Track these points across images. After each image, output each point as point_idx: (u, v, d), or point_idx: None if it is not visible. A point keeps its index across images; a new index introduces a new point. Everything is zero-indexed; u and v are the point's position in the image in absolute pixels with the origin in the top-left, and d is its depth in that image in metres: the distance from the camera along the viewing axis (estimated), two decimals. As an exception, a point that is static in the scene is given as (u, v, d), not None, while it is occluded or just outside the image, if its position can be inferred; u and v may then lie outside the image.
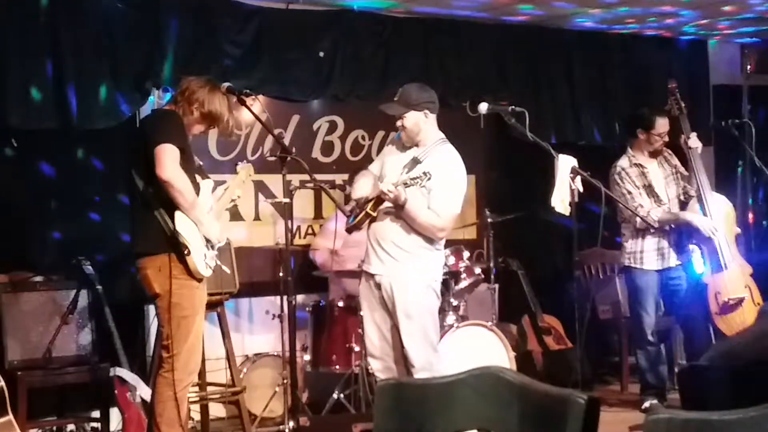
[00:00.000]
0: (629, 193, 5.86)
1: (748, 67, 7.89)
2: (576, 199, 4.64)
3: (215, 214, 4.69)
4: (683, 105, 5.94)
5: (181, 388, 4.47)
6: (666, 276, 5.95)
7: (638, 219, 5.72)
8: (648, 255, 5.89)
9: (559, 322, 7.09)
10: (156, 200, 4.38)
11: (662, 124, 5.95)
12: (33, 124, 5.49)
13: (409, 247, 4.83)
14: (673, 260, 5.91)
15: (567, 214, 4.66)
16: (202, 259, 4.47)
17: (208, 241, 4.53)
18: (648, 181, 5.89)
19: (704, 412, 2.15)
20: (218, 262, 4.70)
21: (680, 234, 5.88)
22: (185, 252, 4.36)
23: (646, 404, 5.98)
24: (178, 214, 4.37)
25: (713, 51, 8.06)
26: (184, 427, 4.52)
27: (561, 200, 4.67)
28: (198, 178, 4.60)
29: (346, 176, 6.46)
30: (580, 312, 4.89)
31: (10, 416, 4.81)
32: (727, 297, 5.65)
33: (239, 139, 6.47)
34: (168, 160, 4.27)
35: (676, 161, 6.03)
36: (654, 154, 5.97)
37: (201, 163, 4.68)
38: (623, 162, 5.97)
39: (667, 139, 5.95)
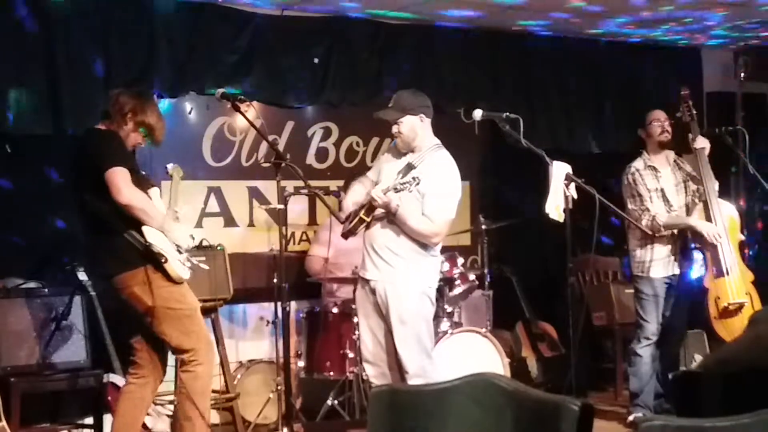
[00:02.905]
0: (639, 195, 5.85)
1: (742, 74, 7.90)
2: (570, 205, 4.64)
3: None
4: (695, 112, 5.96)
5: (209, 379, 4.64)
6: (667, 283, 5.94)
7: (645, 222, 5.71)
8: (656, 263, 5.87)
9: (554, 328, 7.10)
10: (118, 220, 4.40)
11: (655, 112, 6.00)
12: (27, 130, 5.49)
13: (404, 252, 4.83)
14: (676, 268, 5.90)
15: (561, 220, 4.66)
16: (178, 264, 4.51)
17: (178, 246, 4.56)
18: (660, 185, 5.89)
19: (697, 418, 2.15)
20: (194, 262, 4.73)
21: (686, 241, 5.88)
22: (163, 261, 4.39)
23: (631, 417, 5.97)
24: (145, 227, 4.41)
25: (706, 58, 8.09)
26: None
27: (555, 207, 4.67)
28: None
29: (340, 182, 6.47)
30: (574, 318, 4.89)
31: (4, 423, 4.81)
32: (727, 302, 5.65)
33: (232, 145, 6.49)
34: (122, 183, 4.31)
35: (689, 169, 6.02)
36: (663, 146, 5.95)
37: (144, 172, 4.69)
38: (638, 163, 5.95)
39: (668, 128, 5.93)
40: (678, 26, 7.13)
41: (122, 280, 4.44)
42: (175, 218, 4.73)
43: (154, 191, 4.65)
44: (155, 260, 4.39)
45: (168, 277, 4.45)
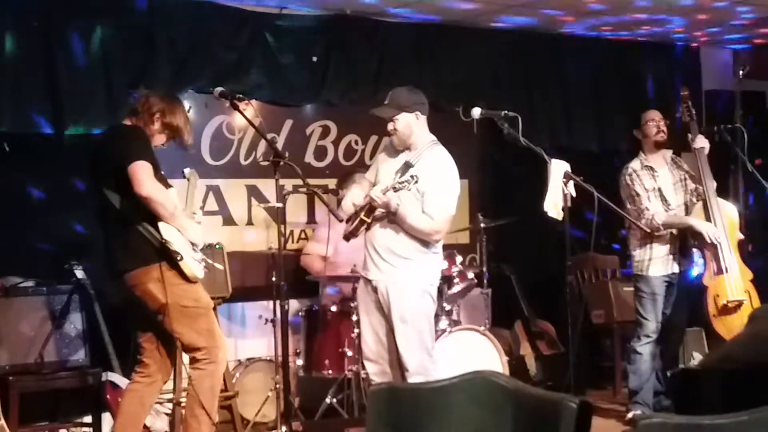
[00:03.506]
0: (638, 195, 5.85)
1: (741, 72, 7.91)
2: (569, 203, 4.64)
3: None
4: (694, 112, 5.96)
5: (218, 378, 4.67)
6: (666, 281, 5.95)
7: (644, 222, 5.72)
8: (655, 262, 5.87)
9: (552, 326, 7.10)
10: (136, 215, 4.40)
11: (650, 112, 6.01)
12: (26, 129, 5.49)
13: (405, 251, 4.83)
14: (675, 267, 5.90)
15: (559, 218, 4.66)
16: (194, 263, 4.51)
17: (193, 244, 4.57)
18: (658, 185, 5.89)
19: (696, 416, 2.15)
20: (209, 261, 4.76)
21: (685, 240, 5.88)
22: (178, 258, 4.39)
23: (630, 415, 5.97)
24: (162, 224, 4.41)
25: (705, 57, 8.09)
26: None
27: (554, 205, 4.67)
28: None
29: (339, 181, 6.46)
30: (572, 317, 4.89)
31: (2, 421, 4.80)
32: (726, 300, 5.66)
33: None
34: (144, 176, 4.31)
35: (687, 167, 6.03)
36: (659, 146, 5.95)
37: (163, 172, 4.72)
38: (635, 164, 5.96)
39: (664, 127, 5.94)
40: (678, 25, 7.15)
41: (136, 276, 4.45)
42: (194, 221, 4.76)
43: (171, 191, 4.66)
44: (170, 258, 4.40)
45: (182, 275, 4.46)
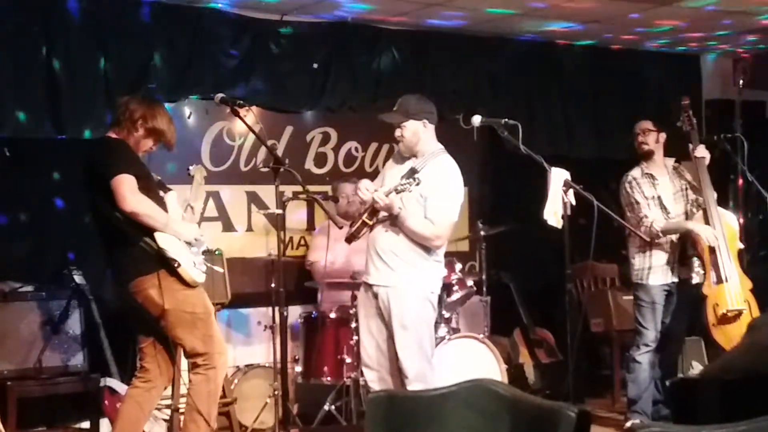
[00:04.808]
0: (637, 202, 5.85)
1: (741, 81, 7.91)
2: (568, 212, 4.65)
3: (189, 220, 4.74)
4: (695, 121, 5.97)
5: (219, 383, 4.66)
6: (666, 290, 5.95)
7: (643, 229, 5.72)
8: (654, 270, 5.88)
9: (551, 334, 7.09)
10: (131, 225, 4.39)
11: (637, 124, 6.01)
12: (25, 134, 5.49)
13: (407, 257, 4.83)
14: (675, 276, 5.90)
15: (559, 227, 4.66)
16: (193, 268, 4.50)
17: (190, 245, 4.57)
18: (657, 193, 5.89)
19: (695, 425, 2.15)
20: (209, 265, 4.75)
21: (684, 248, 5.88)
22: (176, 265, 4.40)
23: (628, 424, 5.96)
24: (157, 233, 4.41)
25: (706, 65, 8.09)
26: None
27: (553, 213, 4.67)
28: (160, 192, 4.62)
29: (340, 188, 6.46)
30: (571, 325, 4.89)
31: (0, 426, 4.80)
32: (725, 309, 5.66)
33: (230, 151, 6.48)
34: (126, 191, 4.30)
35: (689, 177, 6.03)
36: (646, 156, 5.96)
37: (159, 177, 4.70)
38: (635, 172, 5.97)
39: (644, 138, 5.94)
40: (680, 32, 7.16)
41: (137, 284, 4.45)
42: (191, 210, 4.77)
43: (171, 195, 4.66)
44: (169, 265, 4.41)
45: (182, 281, 4.47)
